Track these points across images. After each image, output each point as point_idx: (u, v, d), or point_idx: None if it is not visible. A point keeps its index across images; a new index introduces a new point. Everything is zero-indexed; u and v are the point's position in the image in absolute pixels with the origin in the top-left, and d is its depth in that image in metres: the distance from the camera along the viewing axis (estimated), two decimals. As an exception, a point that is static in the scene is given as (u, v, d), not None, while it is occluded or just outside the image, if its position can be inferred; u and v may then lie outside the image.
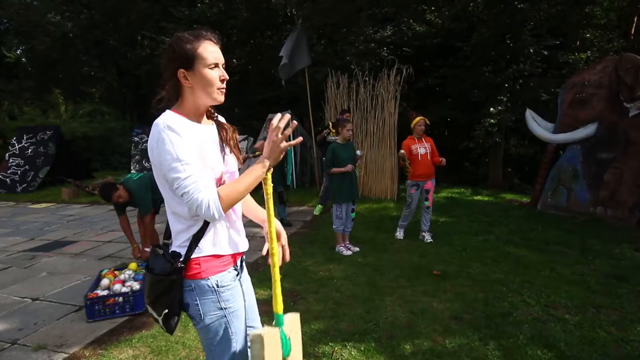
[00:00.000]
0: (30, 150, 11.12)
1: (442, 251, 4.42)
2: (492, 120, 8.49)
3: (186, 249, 1.30)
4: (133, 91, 18.41)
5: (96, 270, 3.77)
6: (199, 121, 1.36)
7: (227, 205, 1.25)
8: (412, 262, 4.09)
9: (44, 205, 8.67)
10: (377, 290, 3.40)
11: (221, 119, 1.50)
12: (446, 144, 9.70)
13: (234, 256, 1.40)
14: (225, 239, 1.36)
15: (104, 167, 13.70)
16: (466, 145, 9.25)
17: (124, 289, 3.03)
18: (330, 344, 2.55)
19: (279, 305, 1.41)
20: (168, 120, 1.23)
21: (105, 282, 3.14)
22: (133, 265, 3.49)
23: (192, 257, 1.31)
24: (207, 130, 1.37)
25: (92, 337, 2.69)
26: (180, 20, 14.12)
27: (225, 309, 1.35)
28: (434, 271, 3.78)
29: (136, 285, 3.08)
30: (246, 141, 13.09)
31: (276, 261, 1.40)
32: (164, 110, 1.32)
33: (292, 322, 1.48)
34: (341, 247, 4.45)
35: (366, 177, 7.67)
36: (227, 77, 1.34)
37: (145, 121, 17.80)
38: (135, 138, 13.46)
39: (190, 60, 1.26)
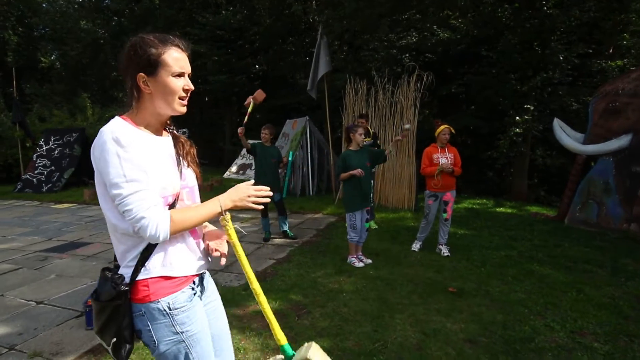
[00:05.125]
0: (56, 152, 11.47)
1: (460, 266, 4.18)
2: (517, 130, 8.15)
3: (132, 269, 1.18)
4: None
5: (104, 273, 3.73)
6: (155, 132, 1.26)
7: (176, 230, 1.16)
8: (426, 277, 3.88)
9: (65, 205, 8.88)
10: (388, 306, 3.21)
11: (176, 132, 1.40)
12: (468, 153, 9.41)
13: (189, 277, 1.28)
14: (177, 260, 1.24)
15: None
16: (489, 154, 8.92)
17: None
18: (332, 364, 2.39)
19: (279, 336, 1.37)
20: (116, 130, 1.12)
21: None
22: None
23: (138, 279, 1.18)
24: (162, 142, 1.27)
25: (89, 346, 2.62)
26: (205, 27, 14.39)
27: (181, 332, 1.22)
28: (449, 288, 3.56)
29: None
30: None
31: (262, 300, 1.37)
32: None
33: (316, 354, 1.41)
34: (353, 259, 4.28)
35: (383, 185, 7.47)
36: (192, 88, 1.25)
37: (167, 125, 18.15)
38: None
39: (153, 66, 1.17)
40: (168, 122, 1.33)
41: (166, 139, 1.30)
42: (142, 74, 1.17)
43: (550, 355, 2.49)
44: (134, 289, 1.18)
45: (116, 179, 1.09)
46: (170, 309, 1.20)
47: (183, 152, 1.32)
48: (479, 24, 9.18)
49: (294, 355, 1.38)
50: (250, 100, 4.62)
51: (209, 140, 18.69)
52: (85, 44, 17.46)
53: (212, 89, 15.72)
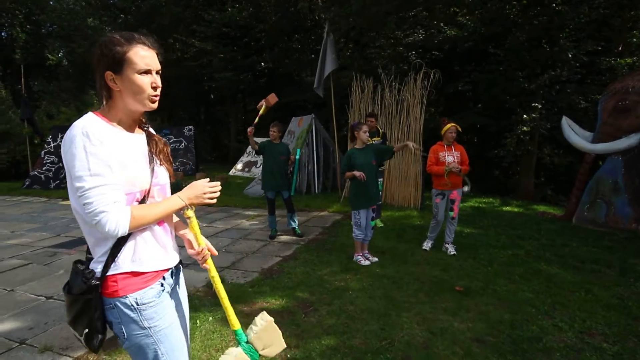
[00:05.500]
0: (64, 149, 11.55)
1: (466, 265, 4.17)
2: (525, 128, 8.09)
3: (103, 265, 1.21)
4: (163, 93, 18.92)
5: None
6: (128, 128, 1.28)
7: (136, 226, 1.17)
8: (433, 275, 3.87)
9: (73, 202, 8.94)
10: (394, 305, 3.21)
11: (152, 130, 1.41)
12: (475, 151, 9.35)
13: (159, 272, 1.30)
14: (147, 255, 1.26)
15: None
16: (496, 153, 8.86)
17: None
18: (339, 362, 2.40)
19: (233, 322, 1.42)
20: (88, 125, 1.14)
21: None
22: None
23: (108, 274, 1.21)
24: (135, 139, 1.29)
25: (98, 341, 2.65)
26: (211, 24, 14.40)
27: (149, 328, 1.24)
28: (456, 287, 3.55)
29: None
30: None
31: (219, 287, 1.41)
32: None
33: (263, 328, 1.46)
34: (359, 257, 4.28)
35: (389, 183, 7.45)
36: (159, 85, 1.26)
37: (175, 122, 18.24)
38: (164, 138, 13.79)
39: (119, 64, 1.18)
40: (142, 119, 1.35)
41: (139, 136, 1.32)
42: (110, 72, 1.19)
43: (559, 355, 2.48)
44: (104, 283, 1.21)
45: (80, 172, 1.10)
46: (137, 304, 1.22)
47: (156, 150, 1.33)
48: (487, 21, 9.09)
49: (246, 340, 1.42)
50: (262, 103, 4.69)
51: (214, 138, 18.75)
52: (92, 41, 17.52)
53: (218, 87, 15.75)
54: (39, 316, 3.08)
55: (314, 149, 8.75)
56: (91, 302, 1.21)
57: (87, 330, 1.24)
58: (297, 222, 5.48)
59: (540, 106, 8.16)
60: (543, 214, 6.73)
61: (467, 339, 2.68)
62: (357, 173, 3.93)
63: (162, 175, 1.35)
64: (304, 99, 13.91)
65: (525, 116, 8.10)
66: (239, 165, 13.44)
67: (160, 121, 17.63)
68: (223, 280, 3.68)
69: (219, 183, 1.36)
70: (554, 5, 7.95)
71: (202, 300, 3.30)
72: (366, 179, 3.94)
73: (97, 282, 1.20)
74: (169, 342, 1.29)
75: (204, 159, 16.28)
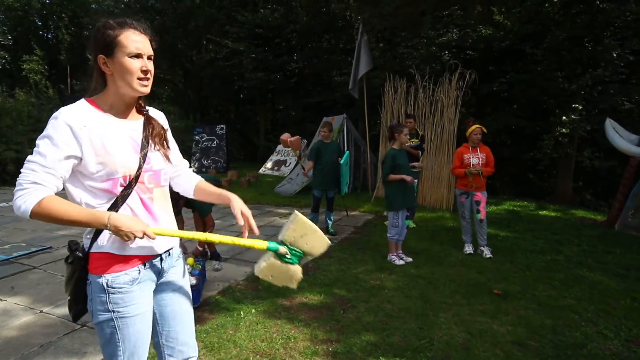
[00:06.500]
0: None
1: (503, 269, 4.12)
2: (563, 130, 7.83)
3: (89, 241, 1.28)
4: (196, 92, 19.47)
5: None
6: (120, 113, 1.30)
7: (39, 215, 1.15)
8: (469, 278, 3.85)
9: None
10: (431, 305, 3.23)
11: (154, 113, 1.42)
12: (508, 153, 9.14)
13: (142, 258, 1.32)
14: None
15: (167, 163, 14.58)
16: (532, 155, 8.62)
17: (182, 282, 3.14)
18: (381, 358, 2.45)
19: (258, 245, 1.36)
20: (64, 110, 1.20)
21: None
22: (190, 260, 3.62)
23: (91, 250, 1.28)
24: (125, 125, 1.30)
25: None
26: (243, 25, 14.70)
27: (113, 311, 1.27)
28: (494, 290, 3.53)
29: (192, 280, 3.19)
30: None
31: (215, 238, 1.38)
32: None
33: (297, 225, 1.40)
34: (393, 256, 4.31)
35: (421, 184, 7.41)
36: (150, 69, 1.27)
37: (206, 121, 18.73)
38: (197, 137, 14.21)
39: (110, 47, 1.22)
40: (142, 103, 1.36)
41: (133, 122, 1.33)
42: (102, 55, 1.23)
43: (605, 363, 2.43)
44: (89, 259, 1.28)
45: (35, 148, 1.19)
46: (107, 286, 1.26)
47: (152, 134, 1.34)
48: (524, 19, 8.85)
49: (279, 243, 1.39)
50: (288, 139, 5.26)
51: (243, 136, 19.11)
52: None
53: (248, 86, 16.04)
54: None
55: (345, 148, 8.80)
56: (75, 272, 1.30)
57: (69, 297, 1.34)
58: (332, 220, 5.58)
59: (580, 107, 7.88)
60: (583, 219, 6.51)
61: (508, 342, 2.67)
62: (407, 178, 4.02)
63: (157, 160, 1.36)
64: (334, 99, 13.95)
65: (564, 118, 7.84)
66: (269, 164, 13.65)
67: (193, 120, 18.11)
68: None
69: (154, 234, 1.25)
70: (597, 2, 7.65)
71: (244, 293, 3.43)
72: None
73: (80, 255, 1.28)
74: (129, 332, 1.30)
75: (234, 157, 16.61)
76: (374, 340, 2.67)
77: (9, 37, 20.96)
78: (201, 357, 2.46)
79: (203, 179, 1.57)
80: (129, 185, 1.26)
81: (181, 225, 4.10)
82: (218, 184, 4.43)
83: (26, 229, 5.91)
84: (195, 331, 2.70)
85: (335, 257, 4.47)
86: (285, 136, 5.52)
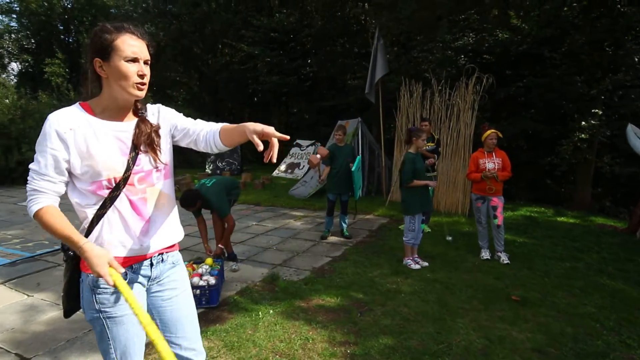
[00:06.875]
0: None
1: (521, 275, 4.07)
2: (582, 135, 7.70)
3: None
4: (211, 95, 19.73)
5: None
6: (115, 116, 1.31)
7: (39, 222, 1.24)
8: (486, 283, 3.82)
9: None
10: (448, 310, 3.22)
11: (151, 111, 1.40)
12: (525, 158, 9.01)
13: (127, 259, 1.33)
14: (112, 240, 1.29)
15: (182, 165, 14.82)
16: (549, 160, 8.49)
17: (201, 283, 3.20)
18: (399, 361, 2.46)
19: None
20: (55, 116, 1.24)
21: (184, 273, 3.33)
22: (209, 260, 3.68)
23: None
24: (116, 127, 1.31)
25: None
26: (259, 29, 14.87)
27: (100, 311, 1.29)
28: (512, 296, 3.49)
29: (212, 280, 3.24)
30: (313, 146, 13.38)
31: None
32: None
33: None
34: (409, 260, 4.30)
35: (436, 189, 7.37)
36: (146, 74, 1.28)
37: (221, 124, 18.94)
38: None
39: (107, 51, 1.23)
40: (138, 105, 1.36)
41: (125, 124, 1.33)
42: (98, 58, 1.24)
43: (628, 372, 2.39)
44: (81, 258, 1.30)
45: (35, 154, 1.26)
46: (93, 285, 1.28)
47: (142, 137, 1.32)
48: (543, 23, 8.75)
49: None
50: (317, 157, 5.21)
51: (257, 139, 19.32)
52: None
53: (263, 90, 16.20)
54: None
55: (360, 152, 8.81)
56: (67, 268, 1.35)
57: (62, 293, 1.37)
58: (347, 224, 5.59)
59: (600, 112, 7.74)
60: (602, 227, 6.38)
61: (527, 349, 2.64)
62: (431, 183, 4.08)
63: (147, 162, 1.34)
64: (347, 103, 13.99)
65: (583, 123, 7.71)
66: (282, 167, 13.74)
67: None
68: (277, 277, 3.84)
69: (112, 281, 1.19)
70: (618, 6, 7.54)
71: (261, 294, 3.47)
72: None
73: (71, 254, 1.32)
74: (118, 331, 1.30)
75: (248, 159, 16.76)
76: (391, 343, 2.67)
77: (32, 42, 21.62)
78: (222, 355, 2.50)
79: (225, 124, 1.41)
80: (117, 188, 1.28)
81: (203, 225, 4.19)
82: (237, 189, 4.49)
83: (49, 228, 6.07)
84: (215, 330, 2.78)
85: (350, 260, 4.49)
86: (315, 158, 5.30)
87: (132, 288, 1.33)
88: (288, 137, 1.22)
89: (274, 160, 1.22)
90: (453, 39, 9.88)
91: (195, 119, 1.50)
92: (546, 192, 9.78)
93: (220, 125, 1.39)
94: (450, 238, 4.63)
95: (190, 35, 17.97)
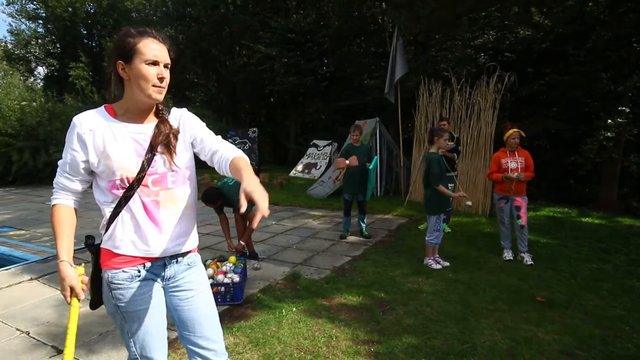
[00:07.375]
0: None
1: (546, 276, 4.00)
2: (608, 134, 7.49)
3: (103, 235, 1.38)
4: (229, 96, 19.98)
5: (199, 259, 4.13)
6: (136, 118, 1.35)
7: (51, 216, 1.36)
8: (510, 284, 3.77)
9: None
10: (472, 310, 3.19)
11: (174, 115, 1.42)
12: (548, 158, 8.83)
13: (139, 258, 1.36)
14: (124, 239, 1.33)
15: (201, 165, 15.05)
16: (573, 160, 8.29)
17: (226, 280, 3.27)
18: (423, 360, 2.46)
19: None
20: (78, 118, 1.33)
21: (209, 271, 3.41)
22: (232, 258, 3.75)
23: (101, 245, 1.38)
24: (134, 129, 1.34)
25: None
26: (276, 30, 14.99)
27: (117, 306, 1.35)
28: (537, 297, 3.44)
29: (236, 278, 3.31)
30: (330, 146, 13.40)
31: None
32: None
33: None
34: (430, 260, 4.28)
35: (456, 189, 7.28)
36: (166, 77, 1.31)
37: (238, 124, 19.18)
38: (229, 140, 14.57)
39: (129, 54, 1.27)
40: (159, 107, 1.39)
41: (144, 126, 1.36)
42: (121, 61, 1.28)
43: (661, 376, 2.33)
44: (100, 251, 1.39)
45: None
46: (109, 281, 1.34)
47: (159, 137, 1.35)
48: (566, 19, 8.55)
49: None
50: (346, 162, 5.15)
51: (273, 139, 19.42)
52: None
53: (279, 90, 16.31)
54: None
55: (378, 152, 8.79)
56: (92, 262, 1.42)
57: (88, 286, 1.41)
58: (365, 224, 5.59)
59: (627, 110, 7.52)
60: (630, 227, 6.20)
61: (555, 350, 2.60)
62: (455, 195, 4.21)
63: (162, 164, 1.36)
64: (364, 103, 13.96)
65: (609, 121, 7.50)
66: (299, 167, 13.82)
67: (226, 123, 18.60)
68: (299, 276, 3.88)
69: (73, 303, 1.31)
70: (646, 0, 7.31)
71: (284, 292, 3.51)
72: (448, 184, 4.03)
73: (92, 248, 1.40)
74: (134, 326, 1.35)
75: (265, 159, 16.91)
76: (415, 342, 2.67)
77: (58, 46, 22.31)
78: (247, 351, 2.55)
79: (241, 157, 1.37)
80: (130, 188, 1.31)
81: (225, 223, 4.26)
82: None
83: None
84: (241, 327, 2.84)
85: (370, 260, 4.49)
86: (343, 162, 5.22)
87: (147, 285, 1.37)
88: (267, 215, 1.13)
89: (255, 226, 1.22)
90: (473, 37, 9.76)
91: (214, 123, 1.57)
92: (569, 193, 9.55)
93: (233, 155, 1.36)
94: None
95: (209, 37, 18.23)
